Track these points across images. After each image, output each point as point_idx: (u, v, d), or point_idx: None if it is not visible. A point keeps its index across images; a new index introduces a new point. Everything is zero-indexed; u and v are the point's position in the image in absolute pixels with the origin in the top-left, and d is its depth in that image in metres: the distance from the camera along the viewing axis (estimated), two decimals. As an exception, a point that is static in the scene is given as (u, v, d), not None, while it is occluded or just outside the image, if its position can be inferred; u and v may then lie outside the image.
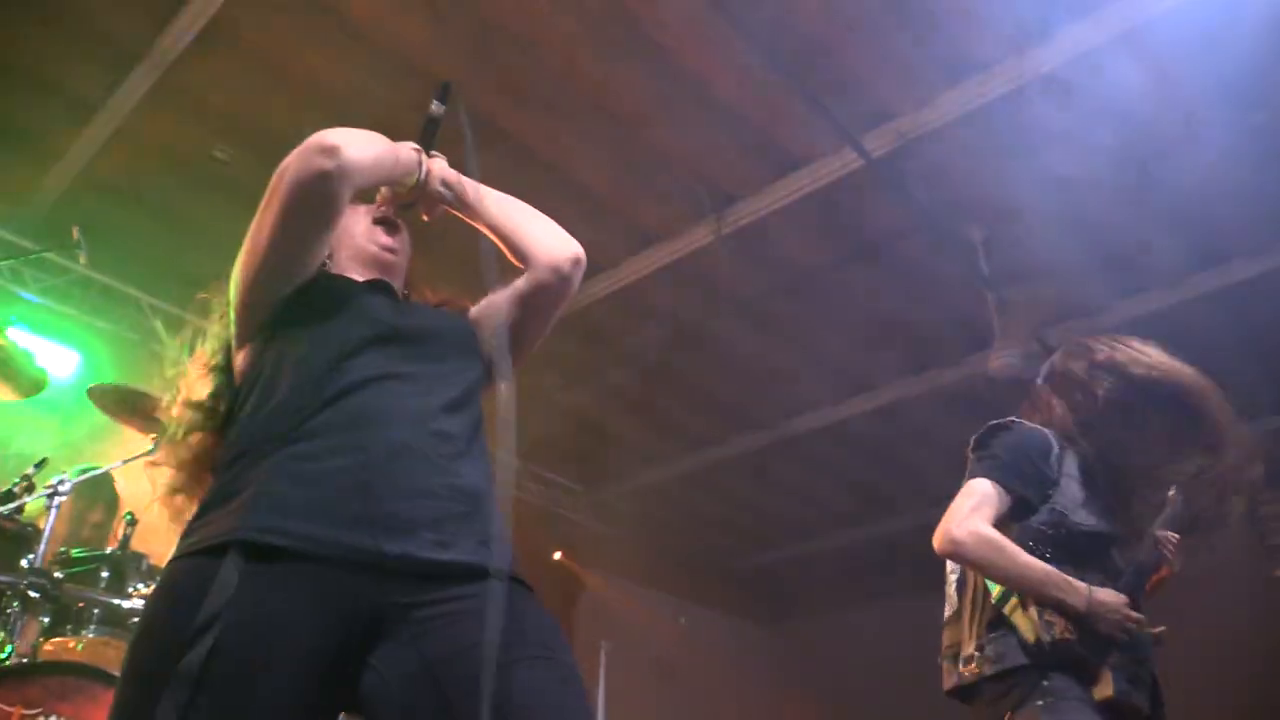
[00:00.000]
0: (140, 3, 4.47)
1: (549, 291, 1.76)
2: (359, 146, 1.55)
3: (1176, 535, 2.48)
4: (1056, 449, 2.42)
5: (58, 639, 3.02)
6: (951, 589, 2.52)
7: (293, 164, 1.53)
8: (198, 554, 1.34)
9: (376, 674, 1.32)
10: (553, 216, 1.84)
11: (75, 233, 3.58)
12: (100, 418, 3.53)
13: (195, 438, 1.61)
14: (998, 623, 2.30)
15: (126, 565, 3.07)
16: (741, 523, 9.14)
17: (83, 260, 3.85)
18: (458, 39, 4.54)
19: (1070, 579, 2.25)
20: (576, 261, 1.77)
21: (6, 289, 5.67)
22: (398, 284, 1.80)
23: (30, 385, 3.21)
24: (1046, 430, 2.46)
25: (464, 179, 1.79)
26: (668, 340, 6.55)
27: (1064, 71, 4.48)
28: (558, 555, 8.09)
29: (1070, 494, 2.37)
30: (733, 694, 9.26)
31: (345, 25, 4.49)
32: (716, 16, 4.31)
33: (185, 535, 1.42)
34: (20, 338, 5.12)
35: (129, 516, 3.21)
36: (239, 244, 1.60)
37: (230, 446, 1.50)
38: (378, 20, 4.47)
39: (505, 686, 1.26)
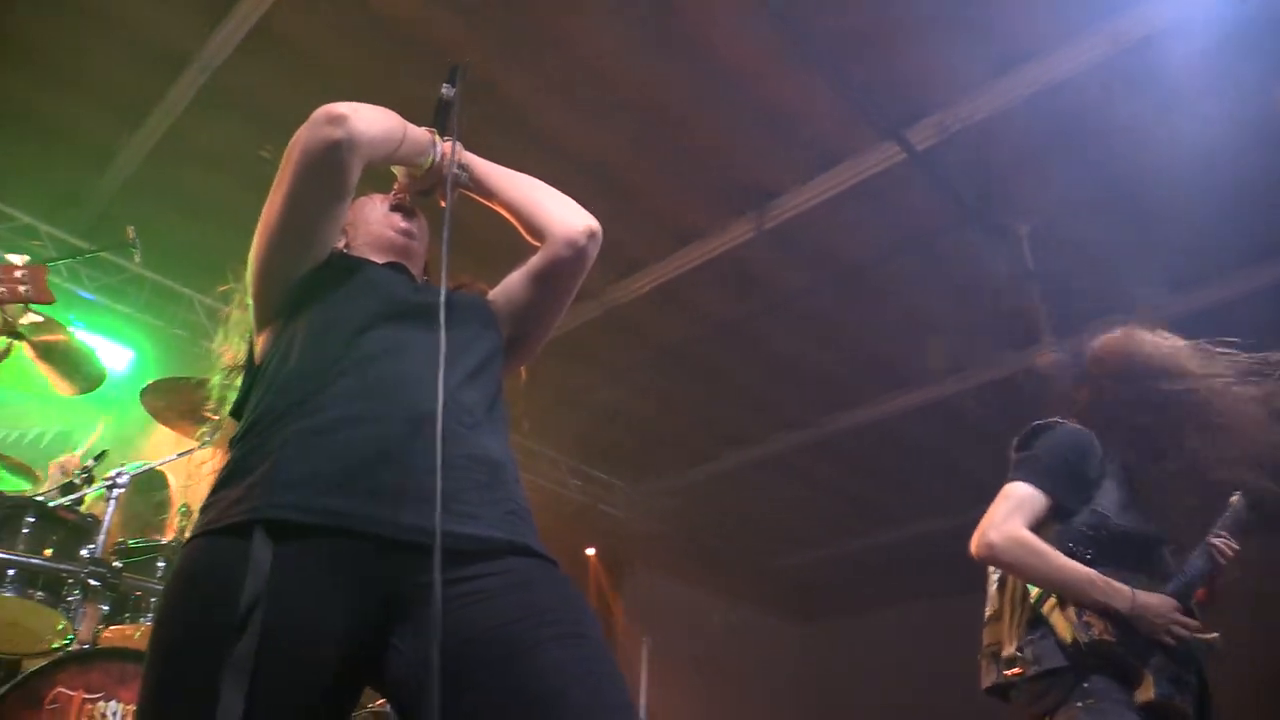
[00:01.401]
0: (188, 9, 4.58)
1: (565, 265, 1.74)
2: (367, 118, 1.55)
3: (1236, 544, 2.42)
4: (1099, 449, 2.38)
5: (116, 626, 3.10)
6: (992, 589, 2.49)
7: (301, 136, 1.53)
8: (219, 532, 1.32)
9: (399, 654, 1.30)
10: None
11: (130, 233, 3.67)
12: (153, 412, 3.64)
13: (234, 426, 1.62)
14: (1036, 623, 2.27)
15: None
16: (781, 521, 9.11)
17: (138, 259, 3.94)
18: (497, 38, 4.58)
19: (1112, 581, 2.21)
20: (591, 234, 1.74)
21: (64, 287, 5.81)
22: (415, 269, 1.79)
23: (91, 381, 3.30)
24: (1089, 430, 2.42)
25: (477, 159, 1.78)
26: (708, 337, 6.56)
27: (1115, 61, 4.41)
28: (590, 551, 8.12)
29: (1112, 495, 2.33)
30: (770, 691, 9.26)
31: (385, 25, 4.56)
32: (756, 10, 4.31)
33: (204, 510, 1.38)
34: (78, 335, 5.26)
35: (184, 508, 3.29)
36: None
37: (245, 418, 1.48)
38: (418, 21, 4.53)
39: (537, 665, 1.24)
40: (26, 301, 2.31)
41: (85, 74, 4.93)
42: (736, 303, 6.28)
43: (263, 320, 1.61)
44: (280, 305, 1.59)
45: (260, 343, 1.62)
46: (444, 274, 1.52)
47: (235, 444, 1.45)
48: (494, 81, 4.73)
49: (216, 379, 1.78)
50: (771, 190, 5.47)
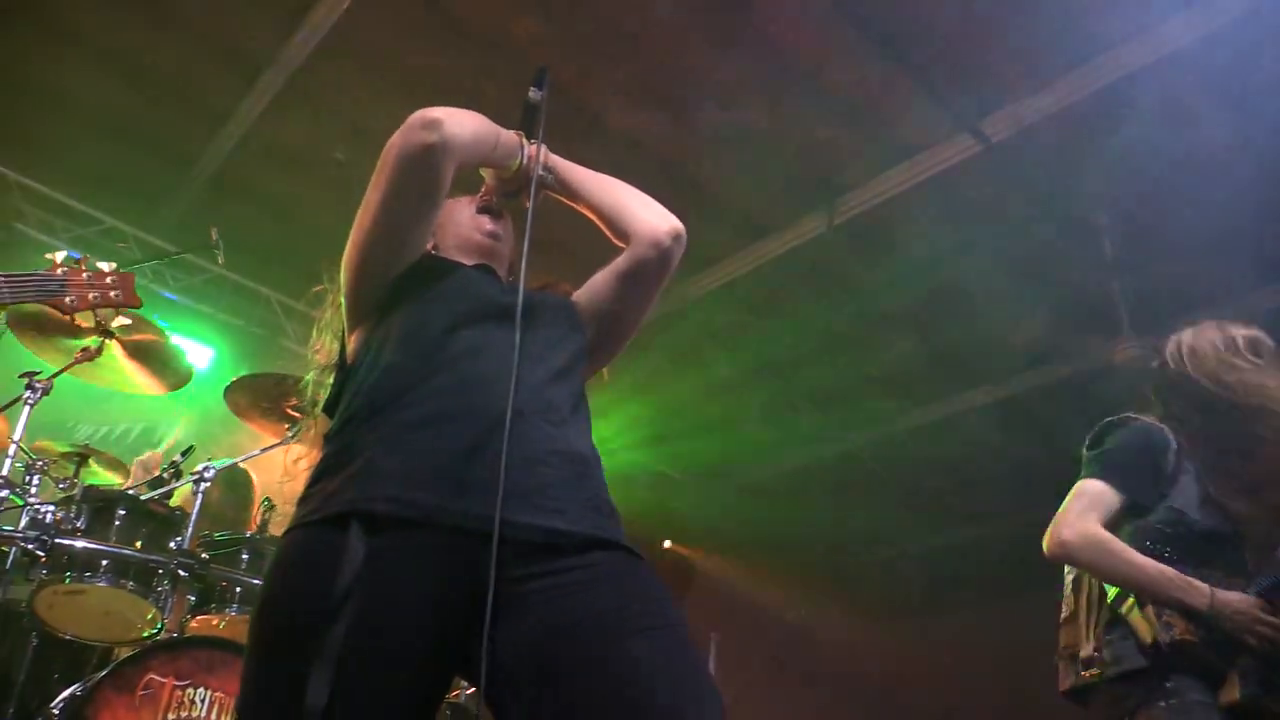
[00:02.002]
0: (265, 14, 4.70)
1: (649, 266, 1.76)
2: (461, 122, 1.59)
3: None
4: (1174, 444, 2.33)
5: (203, 616, 3.20)
6: (1068, 589, 2.44)
7: (397, 141, 1.57)
8: (317, 524, 1.37)
9: (490, 645, 1.30)
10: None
11: (214, 234, 3.79)
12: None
13: (324, 422, 1.66)
14: (1114, 624, 2.23)
15: (265, 548, 3.24)
16: (857, 518, 9.02)
17: (221, 260, 4.07)
18: (569, 37, 4.62)
19: (1190, 579, 2.15)
20: (676, 236, 1.76)
21: (149, 288, 6.02)
22: (501, 270, 1.83)
23: (179, 379, 3.43)
24: (1164, 425, 2.37)
25: (562, 161, 1.80)
26: (780, 332, 6.52)
27: (1194, 49, 4.28)
28: (667, 544, 8.14)
29: (1190, 491, 2.28)
30: (845, 690, 9.18)
31: (459, 26, 4.62)
32: (830, 3, 4.27)
33: (301, 503, 1.44)
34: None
35: (267, 502, 3.39)
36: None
37: (340, 414, 1.53)
38: (492, 21, 4.59)
39: (623, 658, 1.26)
40: (117, 305, 2.42)
41: (166, 78, 5.09)
42: (807, 298, 6.23)
43: (355, 320, 1.66)
44: (372, 305, 1.63)
45: (352, 342, 1.67)
46: (522, 273, 1.57)
47: (330, 439, 1.51)
48: (567, 79, 4.77)
49: (310, 377, 1.83)
50: (843, 184, 5.42)
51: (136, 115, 5.31)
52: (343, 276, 1.66)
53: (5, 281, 2.19)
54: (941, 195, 5.26)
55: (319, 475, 1.45)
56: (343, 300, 1.68)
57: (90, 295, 2.35)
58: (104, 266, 2.41)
